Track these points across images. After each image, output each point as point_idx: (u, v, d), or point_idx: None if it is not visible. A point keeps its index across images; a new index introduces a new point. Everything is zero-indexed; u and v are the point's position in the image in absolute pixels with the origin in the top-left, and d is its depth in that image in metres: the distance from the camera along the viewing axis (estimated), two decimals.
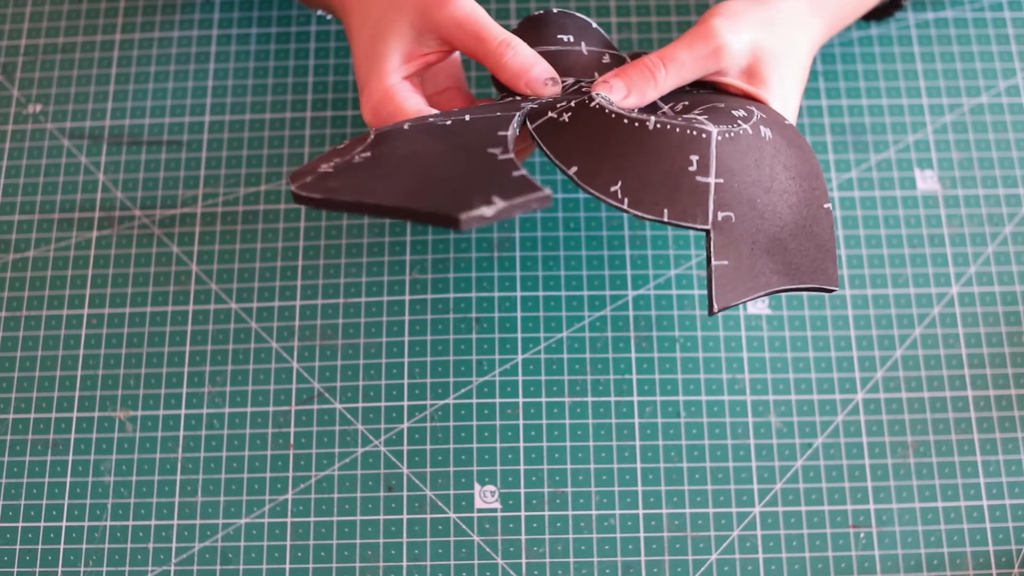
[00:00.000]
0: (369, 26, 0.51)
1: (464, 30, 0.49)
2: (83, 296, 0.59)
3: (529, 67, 0.49)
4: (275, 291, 0.58)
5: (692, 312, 0.57)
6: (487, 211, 0.39)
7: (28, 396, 0.57)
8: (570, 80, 0.50)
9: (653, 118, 0.47)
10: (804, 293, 0.56)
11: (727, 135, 0.47)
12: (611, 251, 0.59)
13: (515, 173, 0.42)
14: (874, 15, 0.61)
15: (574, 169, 0.46)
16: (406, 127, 0.47)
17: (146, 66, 0.63)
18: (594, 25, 0.52)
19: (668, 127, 0.47)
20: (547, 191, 0.40)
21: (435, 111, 0.49)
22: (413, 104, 0.49)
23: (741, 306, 0.57)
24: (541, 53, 0.50)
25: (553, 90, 0.49)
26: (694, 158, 0.46)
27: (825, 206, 0.49)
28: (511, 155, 0.43)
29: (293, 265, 0.59)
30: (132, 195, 0.61)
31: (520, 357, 0.57)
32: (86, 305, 0.58)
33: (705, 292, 0.58)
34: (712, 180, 0.46)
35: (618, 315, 0.58)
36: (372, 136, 0.47)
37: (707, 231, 0.46)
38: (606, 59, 0.51)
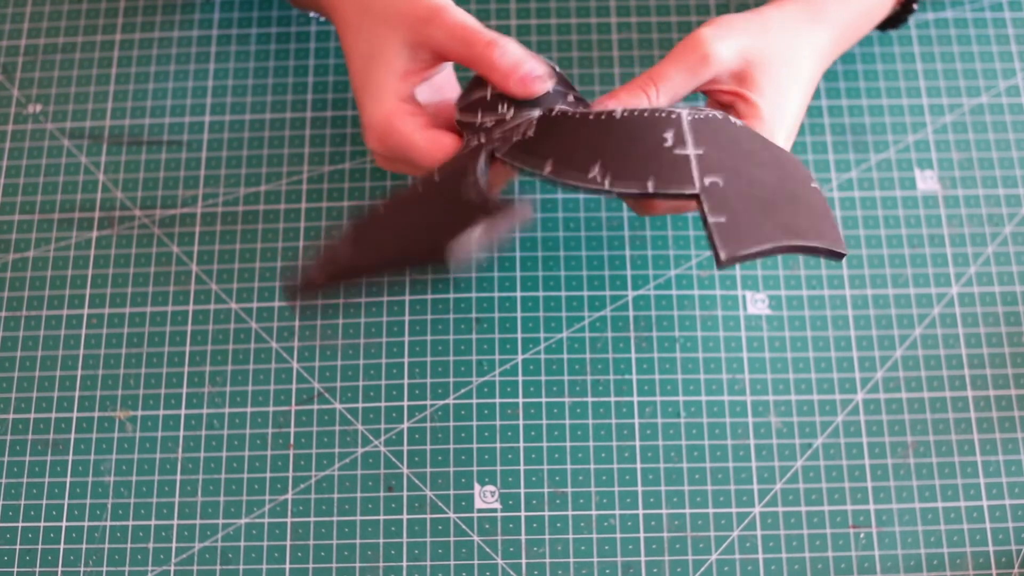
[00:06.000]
0: (363, 44, 0.51)
1: (454, 38, 0.49)
2: (83, 296, 0.59)
3: (518, 64, 0.49)
4: (275, 291, 0.58)
5: (692, 312, 0.57)
6: (471, 237, 0.43)
7: (28, 396, 0.57)
8: (538, 111, 0.50)
9: (619, 108, 0.47)
10: (815, 256, 0.52)
11: (697, 116, 0.47)
12: (611, 251, 0.59)
13: (489, 201, 0.44)
14: (889, 23, 0.60)
15: (548, 168, 0.46)
16: (381, 210, 0.49)
17: (146, 66, 0.63)
18: (557, 69, 0.52)
19: (636, 114, 0.47)
20: (523, 200, 0.43)
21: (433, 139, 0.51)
22: (419, 136, 0.50)
23: (741, 306, 0.57)
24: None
25: (544, 87, 0.49)
26: (668, 135, 0.46)
27: (813, 185, 0.48)
28: (482, 190, 0.45)
29: (293, 265, 0.59)
30: (132, 195, 0.61)
31: (520, 357, 0.57)
32: (86, 305, 0.58)
33: (704, 292, 0.58)
34: (691, 152, 0.46)
35: (618, 315, 0.58)
36: (351, 228, 0.50)
37: (696, 195, 0.45)
38: (570, 98, 0.50)
